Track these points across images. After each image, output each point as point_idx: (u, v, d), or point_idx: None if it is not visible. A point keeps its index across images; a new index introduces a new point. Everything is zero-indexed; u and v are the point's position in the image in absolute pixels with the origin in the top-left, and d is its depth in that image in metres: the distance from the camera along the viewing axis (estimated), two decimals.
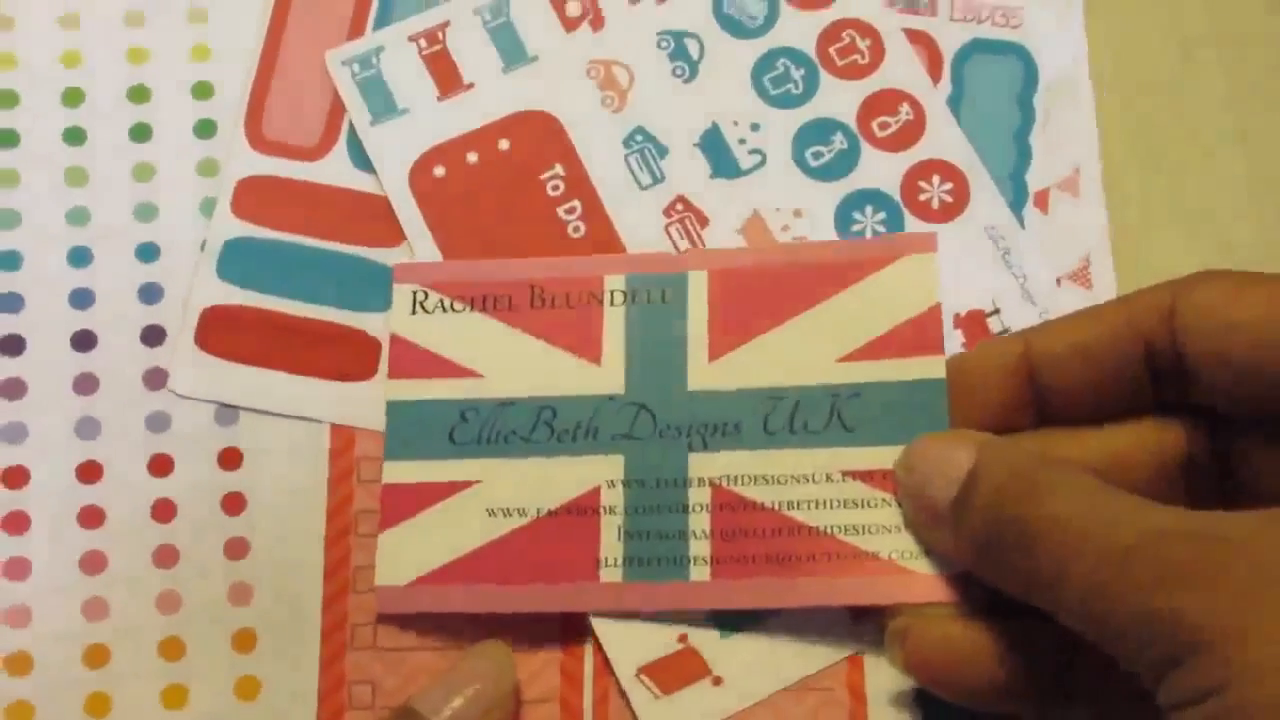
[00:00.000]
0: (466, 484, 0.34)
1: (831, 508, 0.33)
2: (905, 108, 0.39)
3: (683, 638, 0.34)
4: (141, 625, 0.35)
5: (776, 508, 0.33)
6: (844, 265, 0.35)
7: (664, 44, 0.40)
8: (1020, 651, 0.29)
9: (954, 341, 0.36)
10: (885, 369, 0.33)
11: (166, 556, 0.36)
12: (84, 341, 0.37)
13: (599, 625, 0.34)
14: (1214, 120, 0.40)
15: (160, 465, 0.36)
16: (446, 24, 0.40)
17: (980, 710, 0.31)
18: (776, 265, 0.35)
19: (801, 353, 0.34)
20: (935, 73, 0.39)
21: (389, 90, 0.39)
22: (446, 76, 0.39)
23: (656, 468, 0.33)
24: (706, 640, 0.34)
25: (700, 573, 0.33)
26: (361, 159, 0.39)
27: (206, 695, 0.35)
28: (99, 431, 0.36)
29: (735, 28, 0.40)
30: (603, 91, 0.39)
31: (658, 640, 0.34)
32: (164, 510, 0.36)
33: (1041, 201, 0.38)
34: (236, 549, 0.36)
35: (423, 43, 0.40)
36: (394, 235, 0.38)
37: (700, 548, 0.33)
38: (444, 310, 0.35)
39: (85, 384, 0.37)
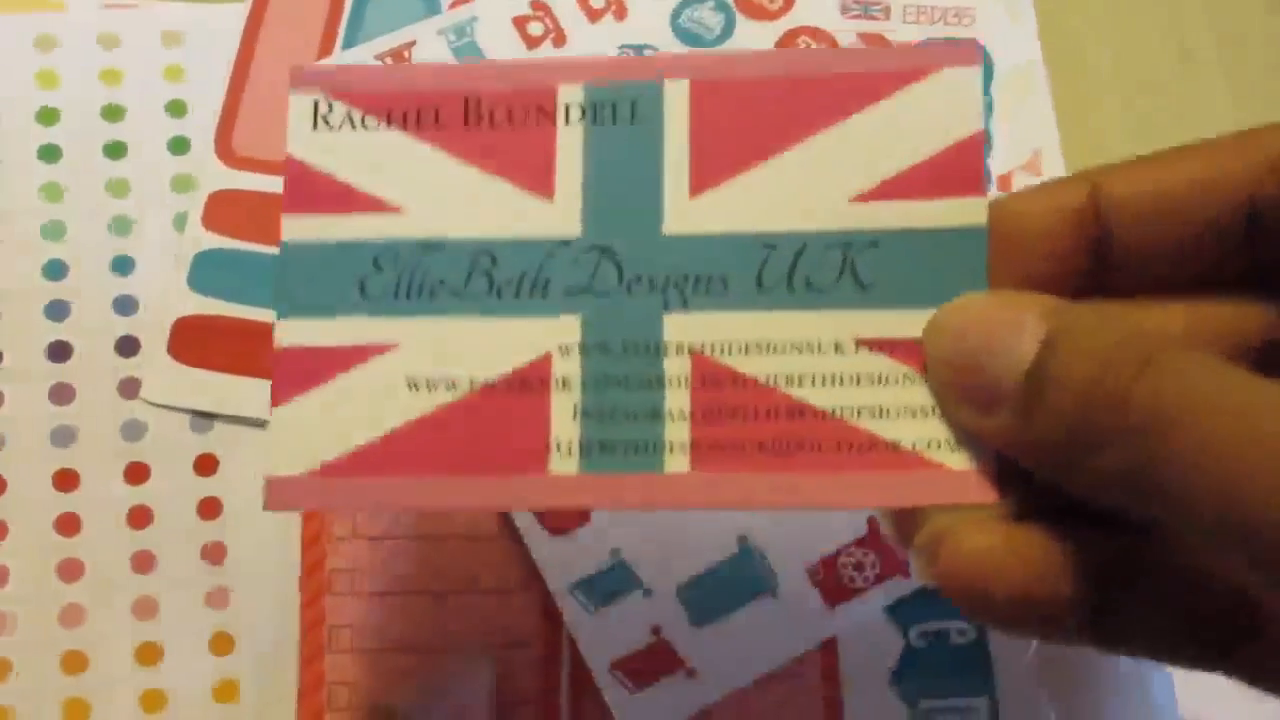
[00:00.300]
0: (381, 348, 0.27)
1: (841, 384, 0.26)
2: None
3: (656, 629, 0.35)
4: (119, 630, 0.35)
5: (772, 384, 0.26)
6: (862, 79, 0.27)
7: (625, 55, 0.41)
8: (1074, 563, 0.24)
9: None
10: (911, 212, 0.26)
11: (143, 562, 0.36)
12: (59, 352, 0.37)
13: (574, 624, 0.34)
14: (1213, 120, 0.41)
15: (136, 473, 0.37)
16: (412, 43, 0.41)
17: (1016, 634, 0.26)
18: (776, 76, 0.27)
19: (806, 189, 0.27)
20: None
21: None
22: None
23: (622, 331, 0.27)
24: (680, 632, 0.35)
25: (677, 463, 0.26)
26: None
27: (185, 699, 0.35)
28: (75, 440, 0.37)
29: (693, 39, 0.41)
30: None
31: (631, 634, 0.34)
32: (140, 517, 0.36)
33: (1005, 185, 0.40)
34: (213, 554, 0.36)
35: (389, 61, 0.41)
36: None
37: (677, 431, 0.26)
38: (353, 126, 0.28)
39: (61, 393, 0.37)
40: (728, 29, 0.41)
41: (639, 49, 0.41)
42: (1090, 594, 0.23)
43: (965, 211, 0.26)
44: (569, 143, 0.27)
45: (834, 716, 0.35)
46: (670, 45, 0.41)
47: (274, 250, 0.38)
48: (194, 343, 0.38)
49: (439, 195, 0.27)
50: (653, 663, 0.34)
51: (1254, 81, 0.41)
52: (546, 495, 0.26)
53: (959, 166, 0.26)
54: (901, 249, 0.26)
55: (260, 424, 0.37)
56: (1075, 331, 0.23)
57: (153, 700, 0.35)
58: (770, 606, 0.35)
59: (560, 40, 0.41)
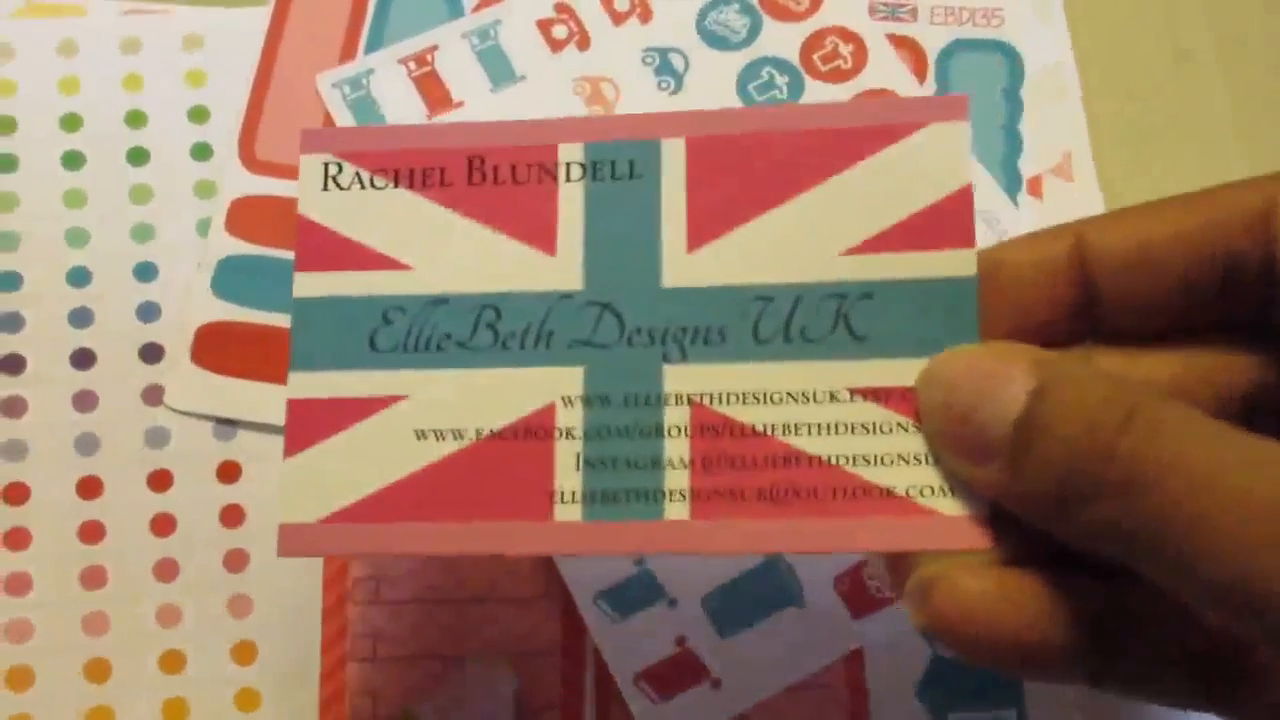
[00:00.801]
0: (391, 399, 0.28)
1: (836, 433, 0.27)
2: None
3: (680, 640, 0.34)
4: (142, 639, 0.35)
5: (770, 432, 0.27)
6: (854, 134, 0.28)
7: (649, 59, 0.41)
8: (1066, 609, 0.24)
9: None
10: (903, 264, 0.27)
11: (166, 570, 0.36)
12: (83, 359, 0.37)
13: (598, 633, 0.34)
14: (1213, 120, 0.40)
15: (159, 480, 0.37)
16: (435, 47, 0.41)
17: (1011, 677, 0.27)
18: (770, 133, 0.28)
19: (800, 243, 0.27)
20: (920, 72, 0.40)
21: (379, 110, 0.40)
22: (436, 96, 0.40)
23: (624, 382, 0.27)
24: (705, 642, 0.34)
25: (678, 510, 0.26)
26: None
27: (207, 708, 0.35)
28: (98, 447, 0.37)
29: (718, 41, 0.41)
30: (589, 107, 0.40)
31: (656, 644, 0.34)
32: (163, 524, 0.36)
33: (1035, 187, 0.39)
34: (236, 562, 0.36)
35: (412, 65, 0.41)
36: None
37: (678, 480, 0.27)
38: (362, 186, 0.29)
39: (85, 401, 0.37)
40: (754, 30, 0.41)
41: (664, 52, 0.41)
42: (1083, 639, 0.24)
43: (955, 263, 0.27)
44: (570, 199, 0.28)
45: None
46: (695, 48, 0.41)
47: None
48: (217, 349, 0.38)
49: (445, 251, 0.28)
50: (678, 673, 0.34)
51: (1254, 81, 0.41)
52: (550, 542, 0.27)
53: (949, 219, 0.27)
54: (893, 300, 0.27)
55: (283, 430, 0.37)
56: (1063, 383, 0.23)
57: (175, 709, 0.35)
58: (796, 617, 0.34)
59: (584, 43, 0.41)
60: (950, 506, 0.26)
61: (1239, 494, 0.20)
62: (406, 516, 0.27)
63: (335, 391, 0.28)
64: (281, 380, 0.37)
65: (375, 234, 0.28)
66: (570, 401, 0.27)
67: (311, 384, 0.28)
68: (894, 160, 0.27)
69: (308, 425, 0.28)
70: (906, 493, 0.26)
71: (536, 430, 0.27)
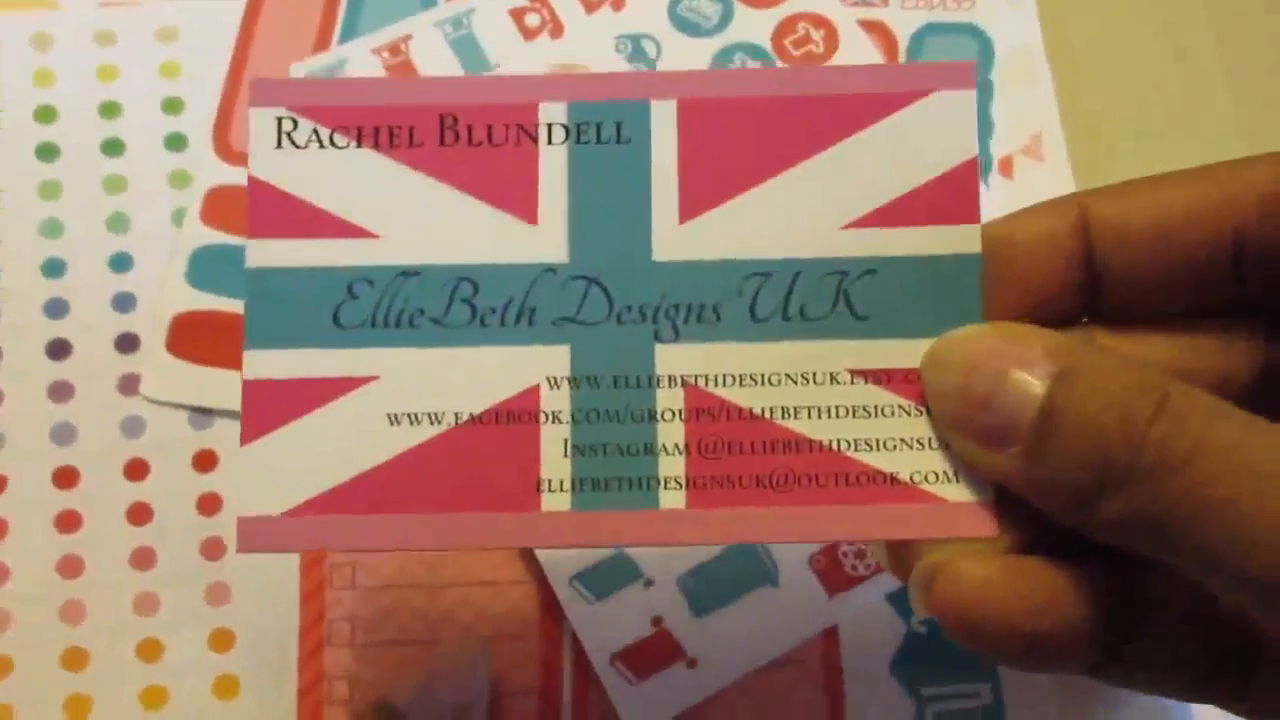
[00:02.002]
0: (359, 380, 0.25)
1: (837, 416, 0.25)
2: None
3: (656, 620, 0.35)
4: (119, 628, 0.35)
5: (767, 416, 0.25)
6: (855, 101, 0.26)
7: (622, 46, 0.41)
8: (1075, 597, 0.24)
9: None
10: (905, 239, 0.26)
11: (143, 559, 0.36)
12: (59, 350, 0.37)
13: (574, 615, 0.34)
14: (1213, 119, 0.41)
15: (136, 469, 0.37)
16: (409, 37, 0.41)
17: (1016, 667, 0.26)
18: (766, 97, 0.26)
19: (798, 215, 0.26)
20: (891, 57, 0.40)
21: None
22: None
23: (613, 362, 0.26)
24: (680, 622, 0.34)
25: (673, 499, 0.25)
26: None
27: (186, 695, 0.35)
28: (74, 437, 0.37)
29: (691, 28, 0.41)
30: None
31: (632, 625, 0.34)
32: (140, 513, 0.36)
33: (1006, 168, 0.39)
34: (213, 550, 0.36)
35: (386, 54, 0.41)
36: None
37: (672, 466, 0.25)
38: (321, 145, 0.26)
39: (60, 391, 0.37)
40: (726, 17, 0.41)
41: (636, 39, 0.41)
42: (1090, 629, 0.23)
43: (959, 239, 0.25)
44: (552, 164, 0.26)
45: (835, 705, 0.34)
46: (668, 35, 0.41)
47: None
48: (193, 339, 0.38)
49: (415, 219, 0.26)
50: (654, 653, 0.34)
51: (1254, 81, 0.41)
52: (538, 534, 0.25)
53: (954, 193, 0.25)
54: (895, 277, 0.25)
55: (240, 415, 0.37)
56: (1087, 370, 0.23)
57: (154, 696, 0.35)
58: (771, 596, 0.34)
59: (558, 31, 0.41)
60: (955, 493, 0.25)
61: (1272, 480, 0.20)
62: (379, 509, 0.25)
63: (297, 372, 0.25)
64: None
65: (337, 198, 0.26)
66: (556, 383, 0.26)
67: (270, 363, 0.25)
68: (897, 129, 0.26)
69: (267, 409, 0.25)
70: (910, 479, 0.25)
71: (520, 414, 0.25)
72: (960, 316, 0.25)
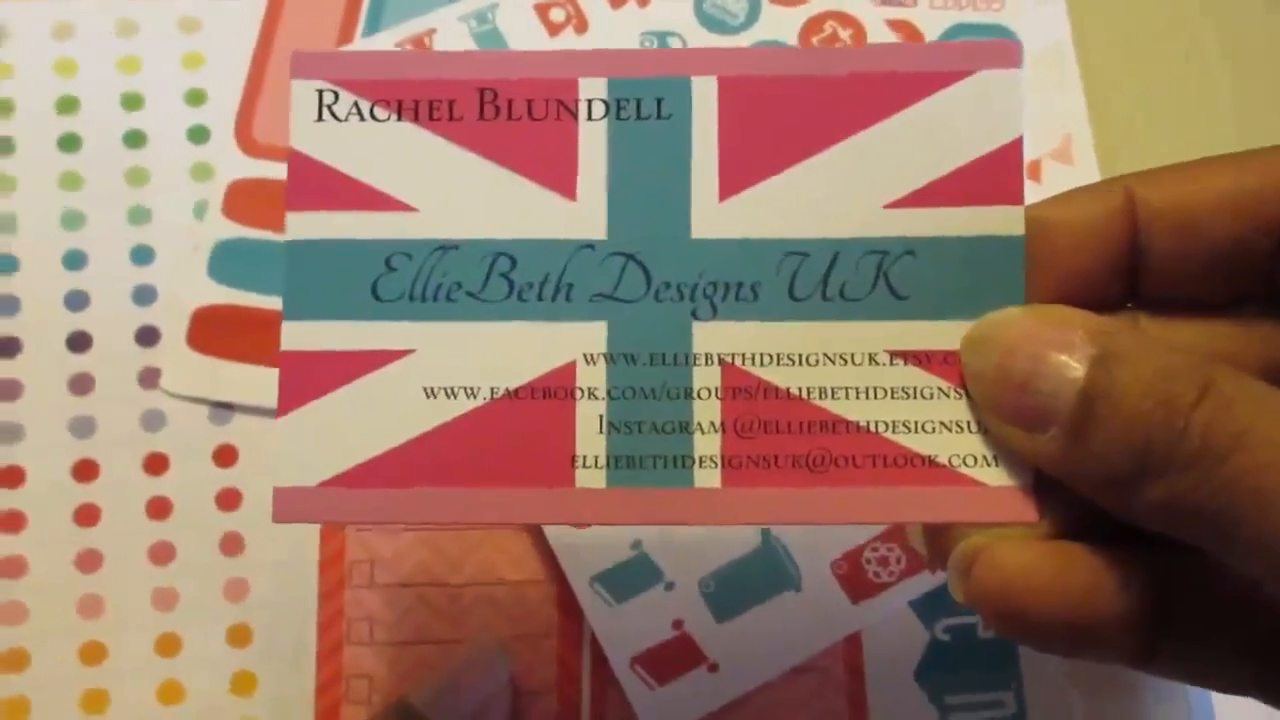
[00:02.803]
0: (396, 354, 0.25)
1: (875, 398, 0.25)
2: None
3: (678, 624, 0.34)
4: (138, 622, 0.35)
5: (805, 396, 0.25)
6: (898, 79, 0.26)
7: (647, 42, 0.41)
8: (1114, 585, 0.23)
9: None
10: (947, 220, 0.25)
11: (162, 554, 0.36)
12: (79, 343, 0.37)
13: (594, 617, 0.34)
14: (1214, 119, 0.40)
15: (155, 463, 0.36)
16: (433, 31, 0.41)
17: (1052, 653, 0.26)
18: (809, 75, 0.26)
19: (839, 194, 0.26)
20: None
21: None
22: None
23: (650, 339, 0.25)
24: (701, 626, 0.34)
25: (708, 478, 0.25)
26: None
27: (203, 691, 0.35)
28: (94, 430, 0.37)
29: (717, 25, 0.41)
30: None
31: (653, 628, 0.34)
32: (159, 508, 0.36)
33: (1034, 171, 0.39)
34: (232, 545, 0.36)
35: (409, 48, 0.40)
36: None
37: (708, 444, 0.25)
38: (361, 118, 0.26)
39: (80, 384, 0.37)
40: (752, 15, 0.41)
41: (662, 35, 0.40)
42: (1132, 617, 0.23)
43: (1003, 220, 0.25)
44: (592, 139, 0.26)
45: (858, 712, 0.34)
46: (694, 32, 0.40)
47: None
48: (214, 333, 0.38)
49: (454, 193, 0.26)
50: (674, 657, 0.34)
51: (1254, 80, 0.41)
52: (572, 510, 0.25)
53: (998, 174, 0.25)
54: (937, 258, 0.25)
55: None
56: (1130, 353, 0.22)
57: (171, 692, 0.35)
58: (794, 602, 0.34)
59: (582, 27, 0.41)
60: (995, 477, 0.24)
61: None
62: (414, 482, 0.25)
63: (334, 344, 0.25)
64: (278, 365, 0.37)
65: (376, 171, 0.26)
66: (592, 359, 0.25)
67: (308, 335, 0.25)
68: (940, 109, 0.25)
69: (304, 380, 0.25)
70: (949, 462, 0.25)
71: (556, 390, 0.25)
72: (1002, 299, 0.25)
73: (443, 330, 0.25)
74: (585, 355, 0.25)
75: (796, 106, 0.26)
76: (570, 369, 0.25)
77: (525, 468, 0.25)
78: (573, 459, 0.25)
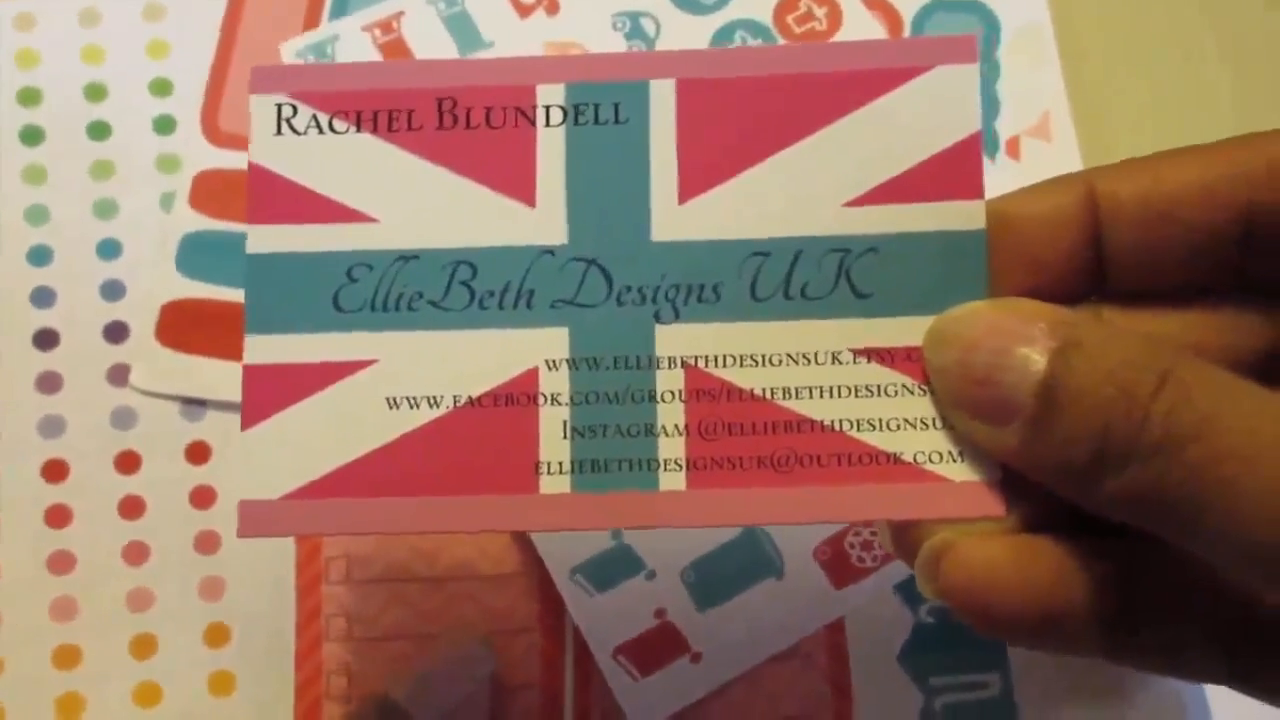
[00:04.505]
0: (358, 364, 0.26)
1: (839, 396, 0.25)
2: None
3: (660, 613, 0.34)
4: (112, 624, 0.35)
5: (769, 397, 0.25)
6: (854, 77, 0.26)
7: (620, 24, 0.40)
8: (1082, 577, 0.23)
9: None
10: (908, 216, 0.25)
11: (136, 553, 0.35)
12: (46, 340, 0.37)
13: (576, 609, 0.34)
14: (1195, 93, 0.40)
15: (127, 462, 0.36)
16: (401, 14, 0.40)
17: (1025, 647, 0.26)
18: (765, 75, 0.26)
19: (799, 193, 0.26)
20: (895, 35, 0.40)
21: None
22: None
23: (612, 343, 0.26)
24: (685, 615, 0.34)
25: (673, 480, 0.25)
26: None
27: (180, 692, 0.35)
28: (63, 430, 0.36)
29: (691, 5, 0.40)
30: None
31: (635, 618, 0.34)
32: (132, 507, 0.36)
33: (1013, 148, 0.39)
34: (207, 543, 0.35)
35: (377, 32, 0.40)
36: None
37: (672, 448, 0.25)
38: (320, 130, 0.26)
39: (48, 382, 0.36)
40: None
41: (634, 16, 0.40)
42: (1100, 609, 0.23)
43: (963, 215, 0.25)
44: (550, 146, 0.26)
45: (842, 697, 0.34)
46: (667, 12, 0.40)
47: None
48: (184, 327, 0.37)
49: (414, 202, 0.26)
50: (657, 647, 0.34)
51: (1254, 79, 0.40)
52: (538, 516, 0.25)
53: (957, 168, 0.25)
54: (897, 254, 0.25)
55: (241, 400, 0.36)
56: (1089, 344, 0.22)
57: (147, 694, 0.34)
58: (776, 588, 0.34)
59: (553, 8, 0.40)
60: (961, 472, 0.24)
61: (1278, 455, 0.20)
62: (379, 492, 0.25)
63: (297, 356, 0.25)
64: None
65: (336, 183, 0.26)
66: (555, 365, 0.26)
67: (270, 348, 0.26)
68: (898, 105, 0.26)
69: (267, 393, 0.26)
70: (914, 459, 0.25)
71: (519, 396, 0.25)
72: (965, 294, 0.25)
73: (404, 340, 0.25)
74: (547, 361, 0.25)
75: (755, 107, 0.26)
76: (532, 375, 0.25)
77: (489, 475, 0.25)
78: (536, 465, 0.25)
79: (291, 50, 0.39)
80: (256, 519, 0.25)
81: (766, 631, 0.34)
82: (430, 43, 0.40)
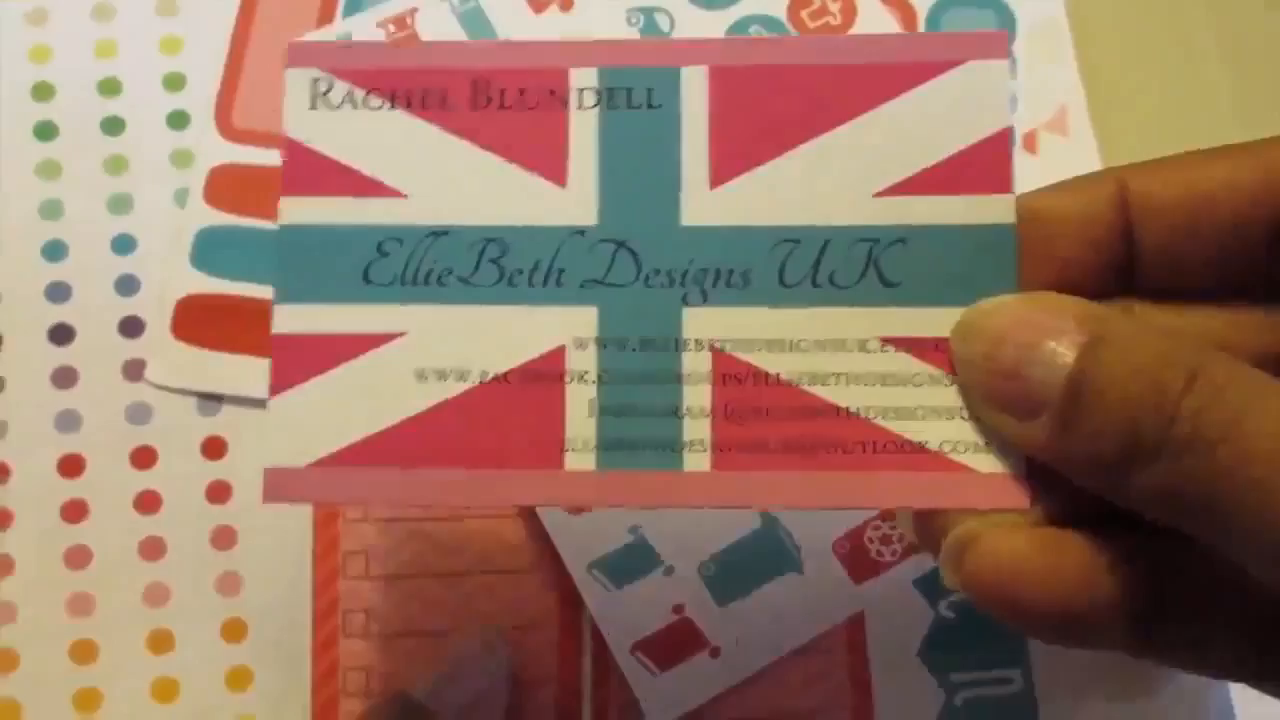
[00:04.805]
0: (387, 336, 0.26)
1: (867, 384, 0.25)
2: None
3: (679, 609, 0.34)
4: (129, 619, 0.35)
5: (795, 382, 0.25)
6: (887, 69, 0.26)
7: (634, 19, 0.40)
8: (1108, 571, 0.23)
9: None
10: (938, 208, 0.26)
11: (152, 549, 0.35)
12: (61, 335, 0.37)
13: (594, 604, 0.34)
14: (1215, 117, 0.40)
15: (143, 457, 0.36)
16: (415, 10, 0.40)
17: (1048, 641, 0.25)
18: (798, 65, 0.26)
19: (830, 183, 0.26)
20: (910, 29, 0.40)
21: None
22: None
23: (640, 324, 0.26)
24: (702, 610, 0.34)
25: (698, 461, 0.25)
26: None
27: (198, 687, 0.35)
28: (79, 425, 0.36)
29: (704, 1, 0.40)
30: None
31: (653, 613, 0.34)
32: (149, 502, 0.36)
33: (1030, 143, 0.39)
34: (224, 538, 0.35)
35: (391, 28, 0.40)
36: None
37: (698, 429, 0.25)
38: (354, 106, 0.26)
39: (64, 377, 0.36)
40: None
41: (649, 11, 0.40)
42: (1126, 604, 0.23)
43: (993, 209, 0.25)
44: (582, 128, 0.26)
45: (862, 692, 0.34)
46: (681, 7, 0.40)
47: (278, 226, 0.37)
48: (199, 322, 0.37)
49: (445, 179, 0.26)
50: (675, 643, 0.34)
51: (1254, 78, 0.40)
52: (562, 492, 0.25)
53: (987, 162, 0.25)
54: (927, 246, 0.25)
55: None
56: (1118, 339, 0.22)
57: (165, 689, 0.34)
58: (795, 583, 0.34)
59: (568, 4, 0.40)
60: (986, 463, 0.24)
61: None
62: (404, 462, 0.25)
63: (326, 327, 0.26)
64: (265, 352, 0.36)
65: (369, 158, 0.26)
66: (582, 344, 0.26)
67: (299, 318, 0.26)
68: (928, 99, 0.26)
69: (295, 362, 0.26)
70: (940, 448, 0.25)
71: (546, 374, 0.25)
72: (994, 287, 0.25)
73: (434, 313, 0.26)
74: (575, 340, 0.26)
75: (786, 96, 0.26)
76: (560, 353, 0.26)
77: (515, 450, 0.25)
78: (562, 442, 0.25)
79: None
80: (281, 486, 0.25)
81: (786, 626, 0.34)
82: (440, 36, 0.39)
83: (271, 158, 0.38)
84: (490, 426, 0.25)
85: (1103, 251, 0.25)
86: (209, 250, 0.37)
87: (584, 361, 0.26)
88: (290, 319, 0.26)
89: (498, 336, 0.26)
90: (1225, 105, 0.40)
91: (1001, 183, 0.25)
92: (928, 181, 0.26)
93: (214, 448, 0.36)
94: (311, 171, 0.26)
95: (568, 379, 0.25)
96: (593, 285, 0.26)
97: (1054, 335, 0.23)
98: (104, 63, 0.39)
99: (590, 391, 0.25)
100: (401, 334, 0.26)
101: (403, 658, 0.34)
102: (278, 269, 0.26)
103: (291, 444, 0.25)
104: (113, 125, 0.38)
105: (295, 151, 0.26)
